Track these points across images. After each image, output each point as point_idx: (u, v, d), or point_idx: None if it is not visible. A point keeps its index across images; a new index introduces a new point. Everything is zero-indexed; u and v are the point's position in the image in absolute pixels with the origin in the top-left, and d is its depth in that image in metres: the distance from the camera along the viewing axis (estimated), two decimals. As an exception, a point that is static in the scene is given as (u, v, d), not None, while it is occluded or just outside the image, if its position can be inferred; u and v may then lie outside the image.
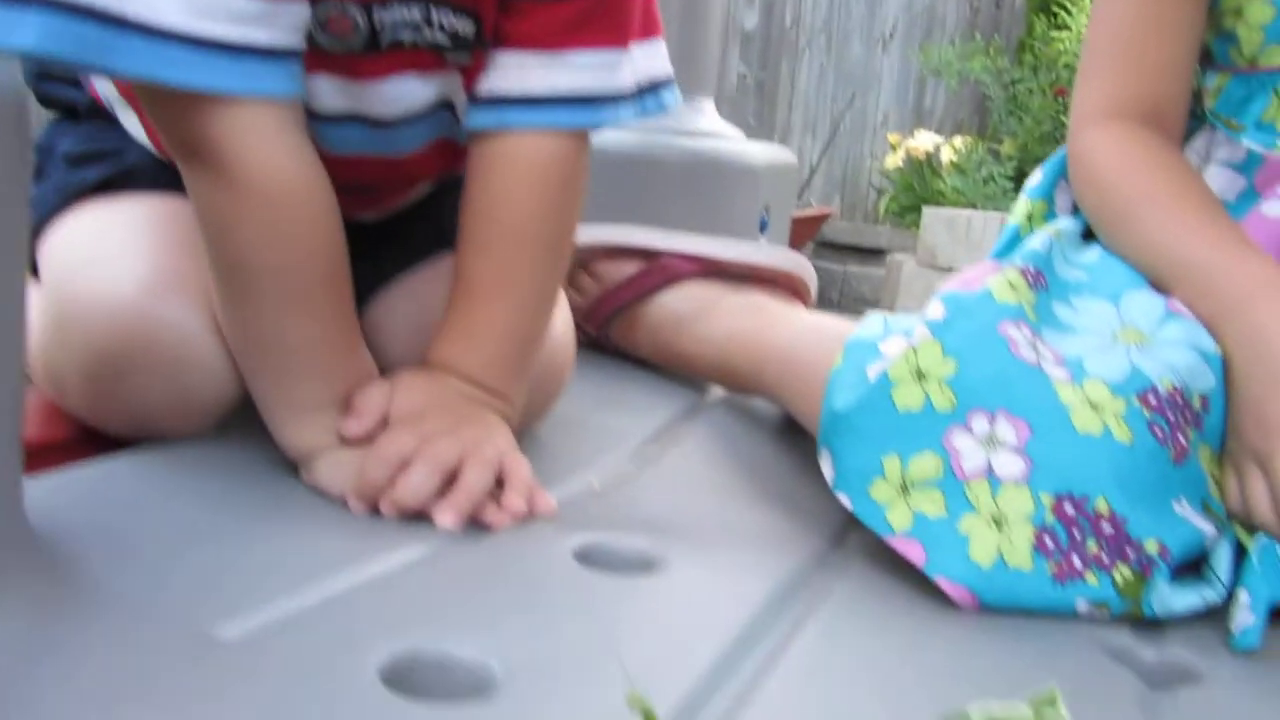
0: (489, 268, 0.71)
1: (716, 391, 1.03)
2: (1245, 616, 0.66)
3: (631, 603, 0.56)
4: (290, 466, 0.68)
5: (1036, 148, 3.52)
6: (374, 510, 0.64)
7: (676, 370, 1.03)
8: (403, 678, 0.46)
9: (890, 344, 0.71)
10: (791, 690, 0.50)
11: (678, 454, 0.85)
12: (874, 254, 3.50)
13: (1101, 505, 0.65)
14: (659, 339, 1.02)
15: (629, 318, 1.05)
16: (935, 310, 0.71)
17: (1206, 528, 0.68)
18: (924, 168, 3.55)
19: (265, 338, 0.65)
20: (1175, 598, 0.67)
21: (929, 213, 3.15)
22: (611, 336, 1.08)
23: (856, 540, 0.75)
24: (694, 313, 1.00)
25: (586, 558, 0.62)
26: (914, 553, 0.67)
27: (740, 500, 0.78)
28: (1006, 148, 3.60)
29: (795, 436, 0.94)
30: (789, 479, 0.85)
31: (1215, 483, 0.71)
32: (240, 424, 0.75)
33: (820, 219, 3.18)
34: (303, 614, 0.50)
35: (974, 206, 3.28)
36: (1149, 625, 0.66)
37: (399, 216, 0.83)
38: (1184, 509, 0.68)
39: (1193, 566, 0.70)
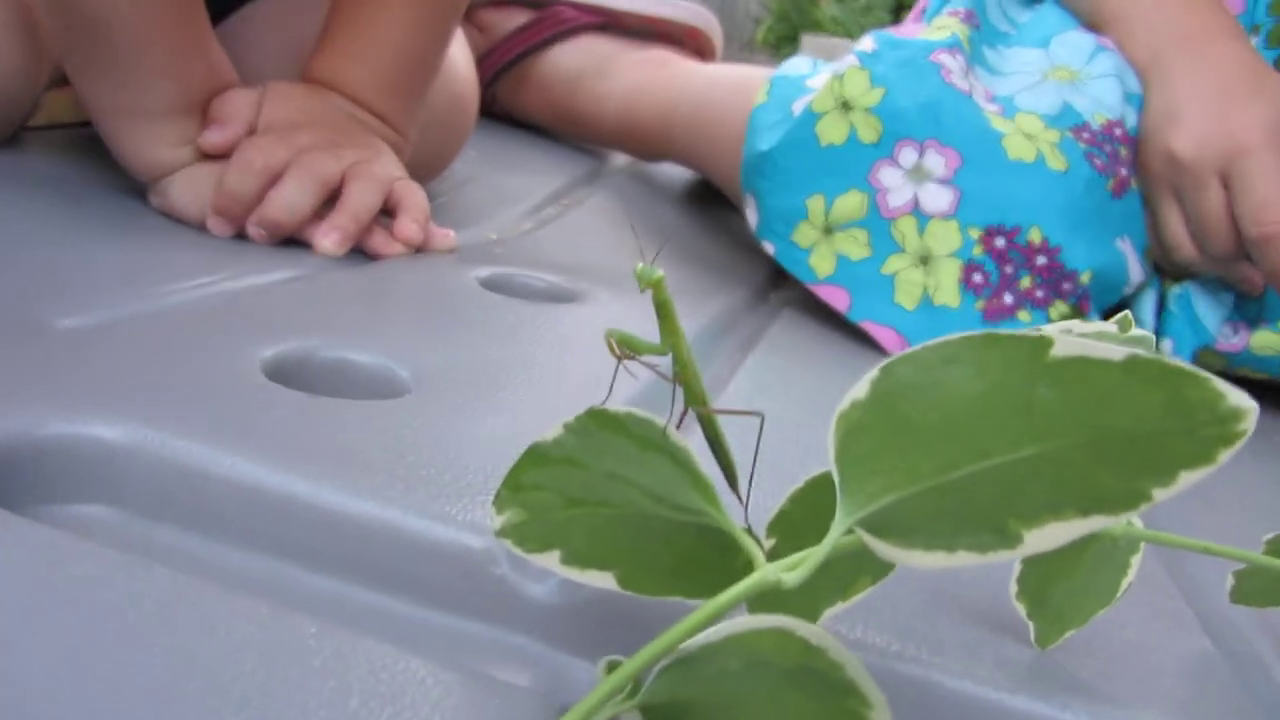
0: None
1: (618, 159, 0.96)
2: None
3: (551, 327, 0.49)
4: (133, 190, 0.58)
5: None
6: (238, 233, 0.55)
7: (571, 135, 0.95)
8: (291, 377, 0.39)
9: (818, 79, 0.66)
10: (739, 404, 0.45)
11: (579, 214, 0.79)
12: (749, 84, 3.45)
13: (1035, 235, 0.62)
14: (552, 98, 0.94)
15: (518, 75, 0.96)
16: (865, 43, 0.67)
17: (1137, 272, 0.66)
18: (802, -5, 3.48)
19: (98, 18, 0.53)
20: None
21: (807, 41, 3.10)
22: (498, 97, 0.98)
23: (780, 297, 0.71)
24: (591, 68, 0.91)
25: (495, 286, 0.55)
26: (838, 299, 0.64)
27: (650, 255, 0.72)
28: (886, -24, 3.55)
29: (706, 203, 0.89)
30: (702, 240, 0.80)
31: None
32: (47, 142, 0.64)
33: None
34: (159, 312, 0.42)
35: (852, 36, 3.24)
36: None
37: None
38: (1126, 247, 0.65)
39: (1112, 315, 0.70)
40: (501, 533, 0.25)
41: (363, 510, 0.30)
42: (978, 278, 0.62)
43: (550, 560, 0.25)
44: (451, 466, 0.33)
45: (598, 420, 0.24)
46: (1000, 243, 0.62)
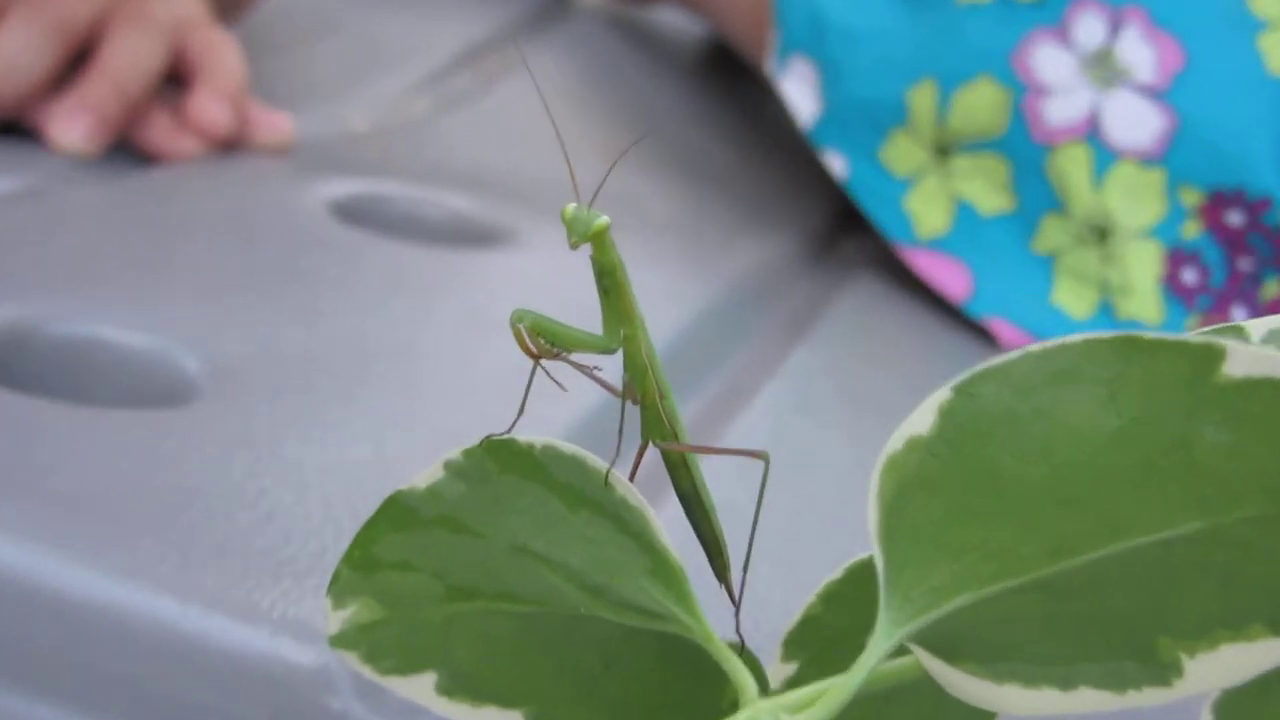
0: None
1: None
2: None
3: (454, 289, 0.51)
4: None
5: None
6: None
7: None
8: (5, 366, 0.41)
9: None
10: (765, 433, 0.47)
11: (511, 89, 0.80)
12: None
13: None
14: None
15: None
16: None
17: None
18: None
19: None
20: None
21: None
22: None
23: (854, 249, 0.73)
24: None
25: (354, 214, 0.57)
26: (950, 279, 0.66)
27: (640, 169, 0.73)
28: None
29: (733, 78, 0.90)
30: (722, 146, 0.81)
31: None
32: None
33: None
34: None
35: None
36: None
37: None
38: None
39: None
40: (342, 640, 0.27)
41: (116, 596, 0.31)
42: (1189, 275, 0.64)
43: (420, 688, 0.27)
44: (265, 526, 0.35)
45: (500, 457, 0.25)
46: (1236, 219, 0.63)
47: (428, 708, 0.27)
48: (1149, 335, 0.22)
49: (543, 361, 0.25)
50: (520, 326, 0.25)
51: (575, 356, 0.26)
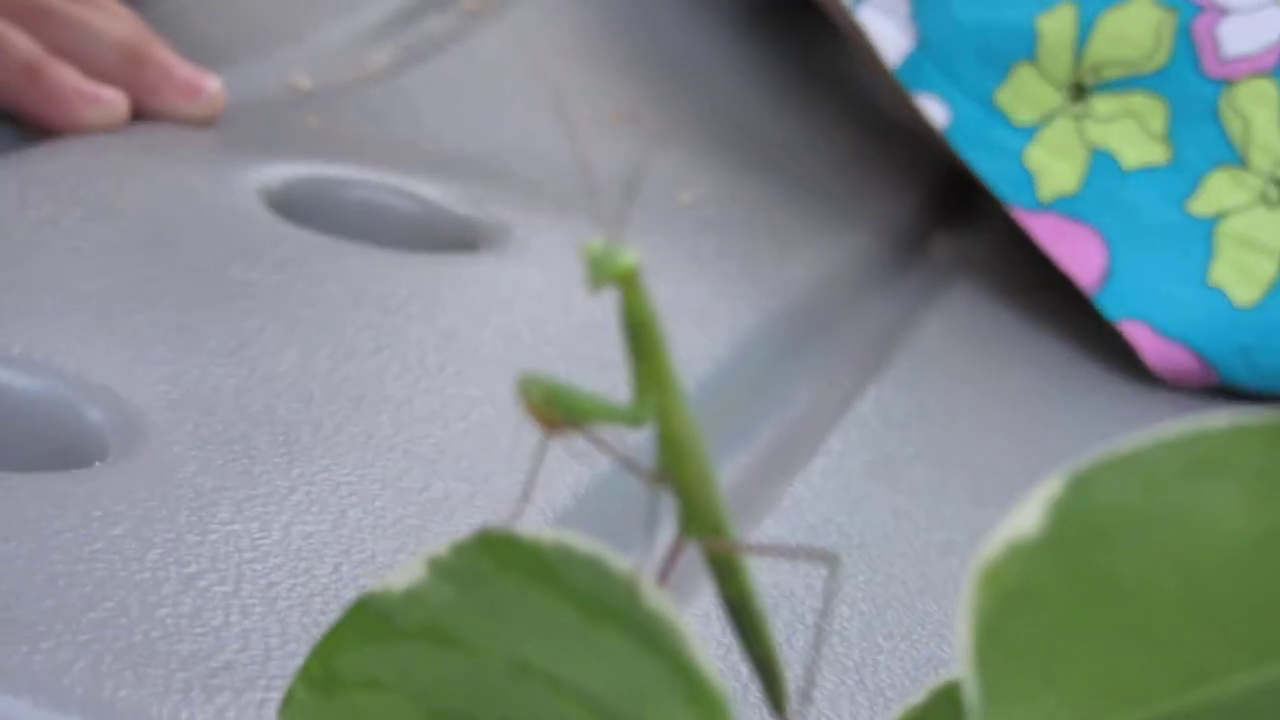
0: None
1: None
2: None
3: (423, 299, 0.52)
4: None
5: None
6: None
7: None
8: None
9: None
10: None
11: (496, 39, 0.80)
12: None
13: None
14: None
15: None
16: None
17: None
18: None
19: None
20: None
21: None
22: None
23: (952, 249, 0.73)
24: None
25: (298, 207, 0.59)
26: (1079, 252, 0.67)
27: (666, 146, 0.74)
28: None
29: (780, 18, 0.90)
30: (766, 109, 0.81)
31: None
32: None
33: None
34: None
35: None
36: None
37: None
38: None
39: None
40: (296, 778, 0.28)
41: (4, 717, 0.32)
42: None
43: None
44: (193, 625, 0.35)
45: (499, 555, 0.26)
46: None
47: None
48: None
49: (554, 436, 0.26)
50: (528, 392, 0.25)
51: (596, 430, 0.26)
